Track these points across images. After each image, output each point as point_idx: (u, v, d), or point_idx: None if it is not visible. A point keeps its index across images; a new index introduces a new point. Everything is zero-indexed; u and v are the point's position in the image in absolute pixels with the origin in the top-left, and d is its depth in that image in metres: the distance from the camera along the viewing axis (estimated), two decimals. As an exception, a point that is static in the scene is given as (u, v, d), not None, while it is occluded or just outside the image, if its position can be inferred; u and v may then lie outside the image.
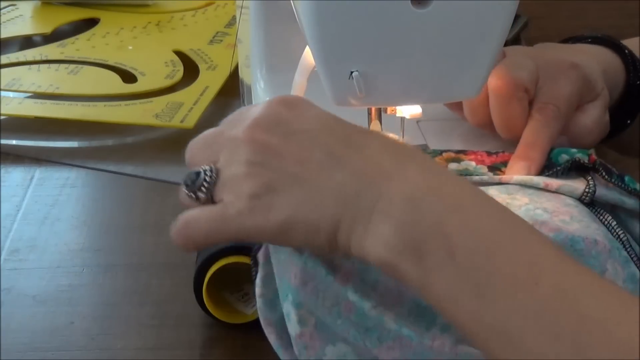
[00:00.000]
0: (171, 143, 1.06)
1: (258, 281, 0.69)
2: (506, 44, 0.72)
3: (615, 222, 0.70)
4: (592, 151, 0.75)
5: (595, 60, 0.84)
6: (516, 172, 0.73)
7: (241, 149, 0.62)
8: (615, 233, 0.69)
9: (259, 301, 0.69)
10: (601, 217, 0.70)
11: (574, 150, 0.74)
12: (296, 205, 0.61)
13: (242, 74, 0.95)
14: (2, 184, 1.00)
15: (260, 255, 0.69)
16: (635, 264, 0.68)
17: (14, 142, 1.06)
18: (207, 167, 0.64)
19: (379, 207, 0.59)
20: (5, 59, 1.22)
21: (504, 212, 0.60)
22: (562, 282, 0.56)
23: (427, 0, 0.63)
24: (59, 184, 1.00)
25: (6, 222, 0.93)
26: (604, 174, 0.72)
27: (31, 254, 0.89)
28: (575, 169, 0.73)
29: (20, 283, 0.85)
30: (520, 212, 0.68)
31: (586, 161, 0.73)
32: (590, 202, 0.71)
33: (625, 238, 0.69)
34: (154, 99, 1.13)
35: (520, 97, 0.76)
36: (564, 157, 0.74)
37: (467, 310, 0.57)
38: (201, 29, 1.30)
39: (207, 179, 0.63)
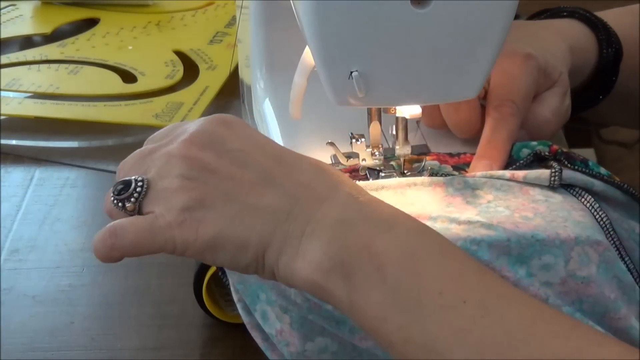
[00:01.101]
0: (171, 143, 1.06)
1: (232, 288, 0.69)
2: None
3: (597, 205, 0.69)
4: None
5: (561, 38, 0.83)
6: (479, 171, 0.73)
7: (175, 163, 0.62)
8: (598, 215, 0.68)
9: (238, 306, 0.69)
10: (582, 200, 0.69)
11: (534, 143, 0.74)
12: (227, 222, 0.60)
13: (242, 74, 0.95)
14: (2, 184, 0.99)
15: None
16: (619, 251, 0.67)
17: (14, 142, 1.06)
18: (139, 178, 0.63)
19: (310, 229, 0.59)
20: (5, 59, 1.22)
21: (430, 232, 0.60)
22: (488, 300, 0.56)
23: (426, 0, 0.63)
24: (59, 184, 1.00)
25: (6, 222, 0.93)
26: (566, 162, 0.71)
27: (31, 254, 0.89)
28: (538, 162, 0.73)
29: (20, 283, 0.85)
30: (480, 208, 0.68)
31: (547, 152, 0.73)
32: (568, 185, 0.70)
33: (608, 222, 0.68)
34: (154, 99, 1.13)
35: (469, 100, 0.76)
36: (525, 151, 0.74)
37: (396, 329, 0.56)
38: (201, 29, 1.30)
39: (138, 189, 0.62)
